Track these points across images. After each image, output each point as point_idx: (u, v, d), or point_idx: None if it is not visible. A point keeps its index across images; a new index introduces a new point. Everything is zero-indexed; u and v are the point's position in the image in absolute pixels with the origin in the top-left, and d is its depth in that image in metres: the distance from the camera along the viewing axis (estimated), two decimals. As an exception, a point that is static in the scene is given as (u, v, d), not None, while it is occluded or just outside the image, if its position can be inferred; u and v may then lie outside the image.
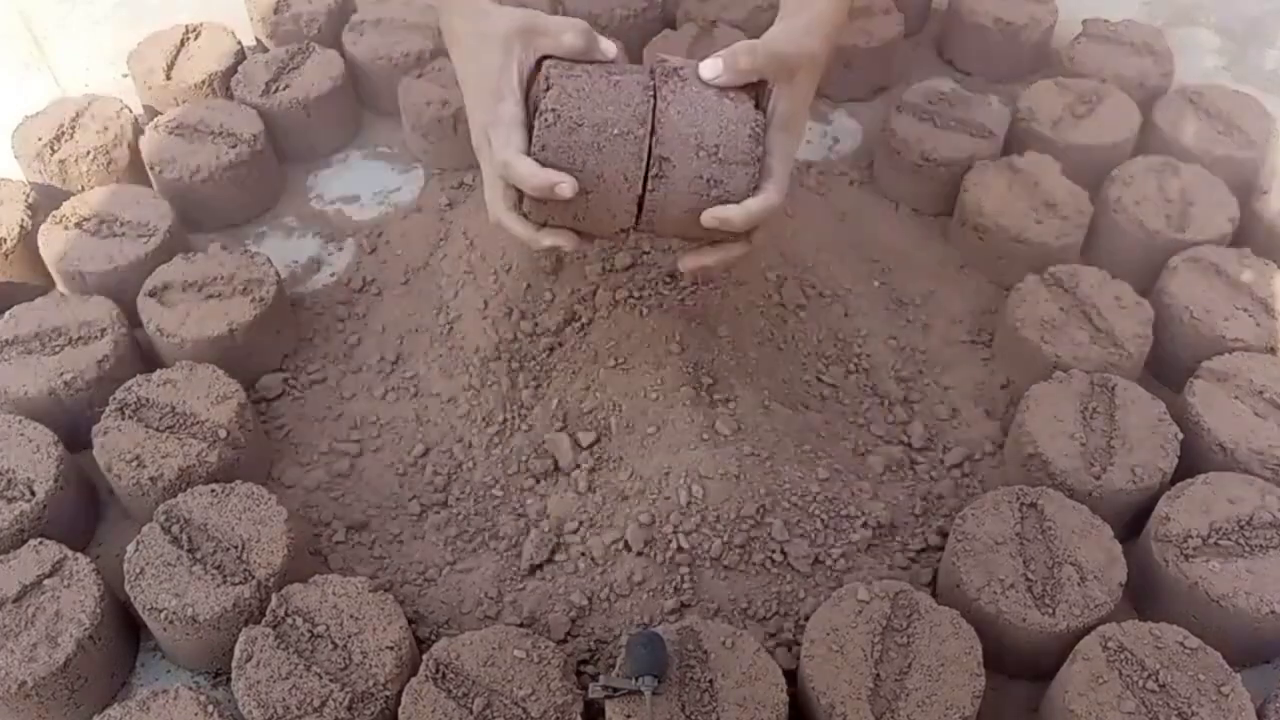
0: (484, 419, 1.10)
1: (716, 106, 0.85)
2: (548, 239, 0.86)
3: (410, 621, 0.95)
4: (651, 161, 0.84)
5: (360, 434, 1.14)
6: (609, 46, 0.88)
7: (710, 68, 0.85)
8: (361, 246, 1.32)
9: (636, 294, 1.10)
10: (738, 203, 0.85)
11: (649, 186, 0.85)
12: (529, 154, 0.83)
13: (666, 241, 1.10)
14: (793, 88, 0.87)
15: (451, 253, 1.26)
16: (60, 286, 1.25)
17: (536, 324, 1.11)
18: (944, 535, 1.03)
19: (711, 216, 0.84)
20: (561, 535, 1.04)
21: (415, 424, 1.13)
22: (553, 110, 0.83)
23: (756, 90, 0.88)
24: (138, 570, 0.94)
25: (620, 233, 0.90)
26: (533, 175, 0.82)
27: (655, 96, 0.84)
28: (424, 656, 0.90)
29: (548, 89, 0.84)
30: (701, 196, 0.85)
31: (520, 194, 0.86)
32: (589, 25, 0.87)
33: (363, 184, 1.41)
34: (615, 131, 0.83)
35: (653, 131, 0.83)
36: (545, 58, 0.87)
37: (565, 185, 0.81)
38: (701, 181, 0.84)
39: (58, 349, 1.11)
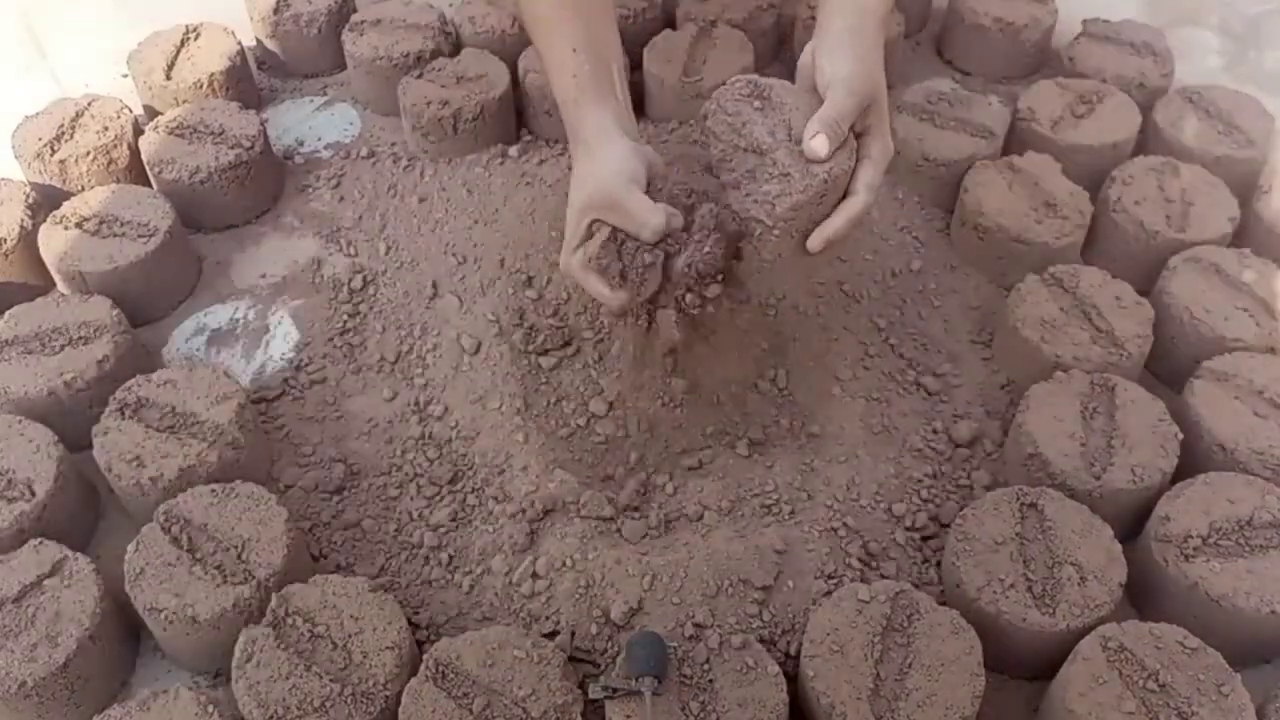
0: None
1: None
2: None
3: (410, 621, 0.95)
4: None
5: (360, 434, 1.14)
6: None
7: (821, 146, 0.88)
8: (361, 246, 1.32)
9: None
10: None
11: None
12: None
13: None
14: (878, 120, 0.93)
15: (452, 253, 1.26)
16: (60, 286, 1.25)
17: (536, 325, 1.11)
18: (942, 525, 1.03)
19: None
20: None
21: (416, 424, 1.13)
22: None
23: None
24: (138, 570, 0.94)
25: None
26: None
27: None
28: (424, 656, 0.90)
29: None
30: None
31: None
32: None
33: (363, 184, 1.40)
34: None
35: None
36: None
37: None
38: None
39: (58, 349, 1.11)
